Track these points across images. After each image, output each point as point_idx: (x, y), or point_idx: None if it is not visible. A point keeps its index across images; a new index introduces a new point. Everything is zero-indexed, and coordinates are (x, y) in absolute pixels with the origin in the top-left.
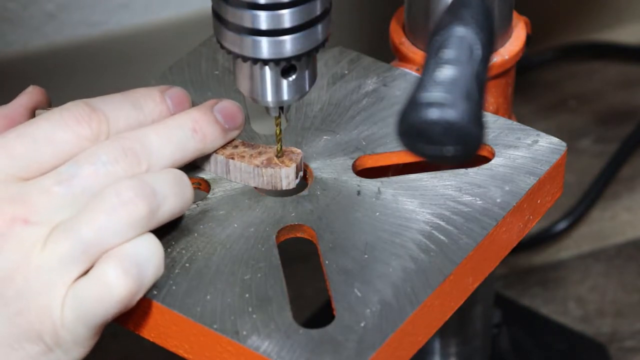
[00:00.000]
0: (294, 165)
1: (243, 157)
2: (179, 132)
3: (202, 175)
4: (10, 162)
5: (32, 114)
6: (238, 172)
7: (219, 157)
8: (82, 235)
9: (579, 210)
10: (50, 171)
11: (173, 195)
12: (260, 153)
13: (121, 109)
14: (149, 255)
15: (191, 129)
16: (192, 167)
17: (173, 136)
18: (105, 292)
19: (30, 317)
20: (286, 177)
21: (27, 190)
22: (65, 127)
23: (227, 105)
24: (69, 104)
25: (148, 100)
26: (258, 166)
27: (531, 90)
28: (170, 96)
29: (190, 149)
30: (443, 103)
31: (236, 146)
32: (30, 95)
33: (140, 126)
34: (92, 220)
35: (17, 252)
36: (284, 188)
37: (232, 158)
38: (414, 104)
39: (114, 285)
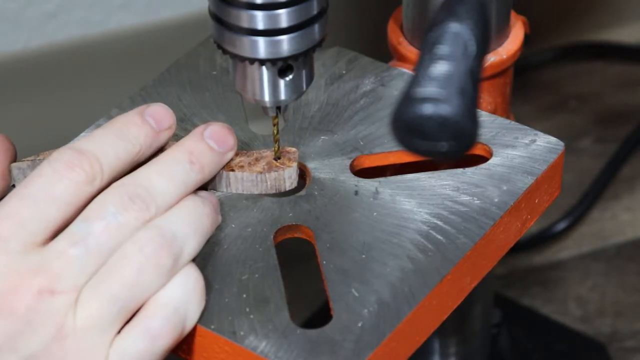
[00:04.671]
0: (295, 165)
1: (242, 167)
2: (178, 167)
3: None
4: (21, 230)
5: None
6: (240, 183)
7: (219, 172)
8: (114, 296)
9: (579, 210)
10: (57, 227)
11: (193, 232)
12: (257, 159)
13: (107, 144)
14: (186, 294)
15: (188, 161)
16: None
17: (174, 173)
18: (150, 344)
19: None
20: (289, 177)
21: (46, 258)
22: (60, 177)
23: (217, 129)
24: (54, 154)
25: (130, 127)
26: (261, 172)
27: (531, 90)
28: (151, 115)
29: (191, 182)
30: (437, 98)
31: (231, 158)
32: None
33: (130, 155)
34: (121, 280)
35: (50, 325)
36: (287, 189)
37: (232, 170)
38: (408, 99)
39: (158, 336)
